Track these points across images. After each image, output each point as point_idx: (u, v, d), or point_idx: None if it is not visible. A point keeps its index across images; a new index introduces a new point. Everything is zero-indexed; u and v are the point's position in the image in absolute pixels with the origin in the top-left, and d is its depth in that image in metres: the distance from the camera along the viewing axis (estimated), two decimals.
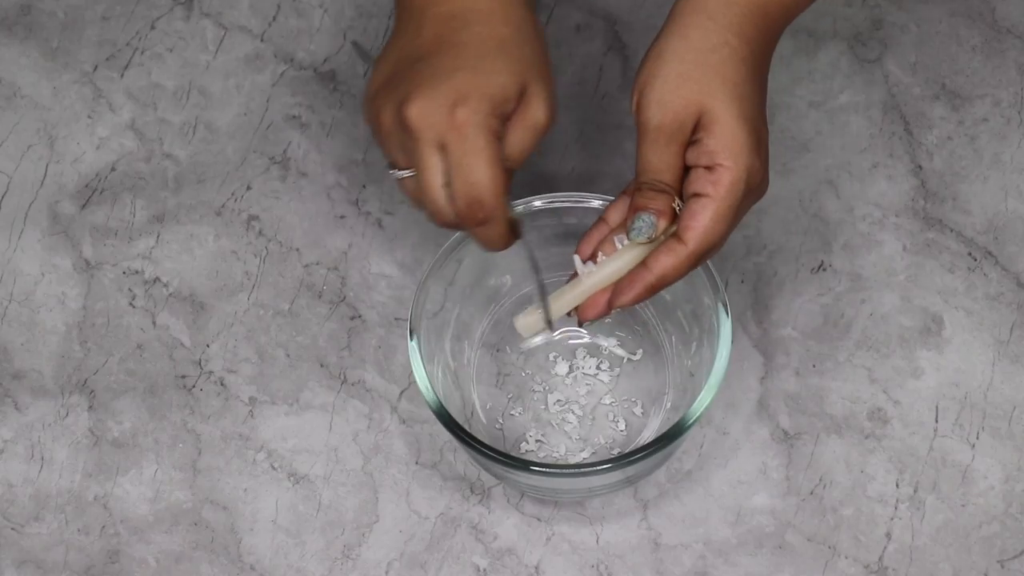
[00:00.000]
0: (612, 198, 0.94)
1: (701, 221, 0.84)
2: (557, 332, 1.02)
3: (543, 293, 0.90)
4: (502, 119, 0.85)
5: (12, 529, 1.00)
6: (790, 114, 1.09)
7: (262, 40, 1.14)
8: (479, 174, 0.84)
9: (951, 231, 1.05)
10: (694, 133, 0.85)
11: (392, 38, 0.89)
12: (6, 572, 0.99)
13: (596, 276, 0.88)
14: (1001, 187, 1.07)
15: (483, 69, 0.85)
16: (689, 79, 0.84)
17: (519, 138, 0.86)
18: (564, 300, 0.89)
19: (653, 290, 0.87)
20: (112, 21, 1.14)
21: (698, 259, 0.86)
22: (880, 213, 1.06)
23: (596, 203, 0.95)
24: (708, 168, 0.84)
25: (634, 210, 0.86)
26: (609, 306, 0.88)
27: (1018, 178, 1.07)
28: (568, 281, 0.90)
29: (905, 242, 1.05)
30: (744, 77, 0.85)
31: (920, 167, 1.07)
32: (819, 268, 1.05)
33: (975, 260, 1.04)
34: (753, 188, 0.85)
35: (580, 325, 0.91)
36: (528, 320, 0.91)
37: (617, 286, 0.87)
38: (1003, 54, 1.10)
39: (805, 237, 1.06)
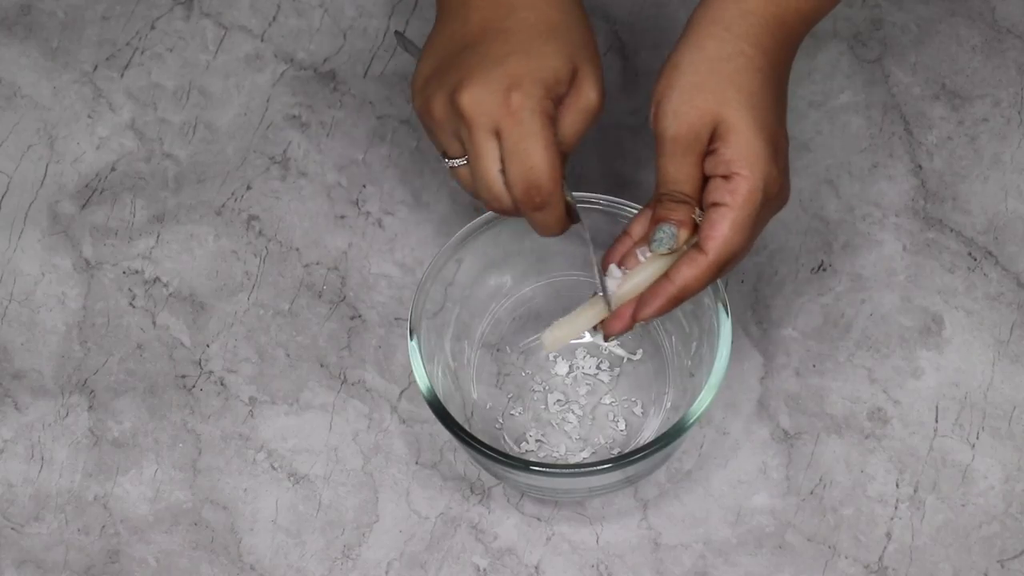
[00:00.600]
0: (612, 198, 0.94)
1: (720, 231, 0.84)
2: (583, 339, 1.02)
3: (601, 276, 0.89)
4: (556, 102, 0.85)
5: (12, 529, 1.00)
6: (790, 114, 1.09)
7: (262, 40, 1.14)
8: (536, 158, 0.84)
9: (951, 231, 1.05)
10: (711, 143, 0.85)
11: (436, 27, 0.89)
12: (6, 572, 0.99)
13: (619, 291, 0.88)
14: (1001, 187, 1.07)
15: (534, 53, 0.85)
16: (703, 89, 0.84)
17: (572, 121, 0.86)
18: (586, 316, 0.89)
19: (676, 301, 0.86)
20: (112, 21, 1.14)
21: (719, 268, 0.85)
22: (880, 213, 1.06)
23: (596, 203, 0.95)
24: (725, 177, 0.84)
25: (655, 221, 0.86)
26: (633, 320, 0.88)
27: (1018, 178, 1.07)
28: (591, 297, 0.90)
29: (905, 242, 1.05)
30: (760, 86, 0.85)
31: (920, 167, 1.07)
32: (819, 268, 1.05)
33: (975, 260, 1.04)
34: (772, 197, 0.85)
35: (606, 340, 0.90)
36: (556, 334, 0.90)
37: (640, 299, 0.87)
38: (1003, 54, 1.10)
39: (805, 237, 1.06)
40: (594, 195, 0.95)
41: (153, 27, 1.14)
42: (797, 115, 1.09)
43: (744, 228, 0.84)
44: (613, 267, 0.88)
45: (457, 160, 0.87)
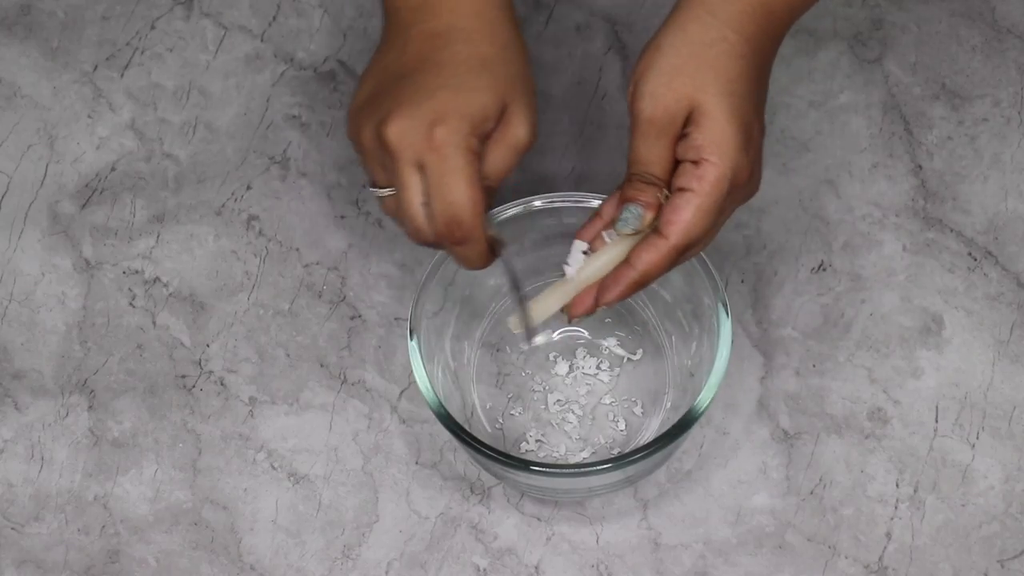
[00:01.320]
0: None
1: (683, 216, 0.84)
2: (558, 332, 1.02)
3: (523, 309, 0.89)
4: (481, 138, 0.85)
5: (12, 529, 1.00)
6: (790, 114, 1.09)
7: (262, 40, 1.14)
8: (457, 194, 0.84)
9: (951, 231, 1.05)
10: (684, 127, 0.85)
11: (377, 53, 0.90)
12: (6, 572, 0.99)
13: (584, 273, 0.88)
14: (1001, 187, 1.07)
15: (463, 88, 0.85)
16: (682, 73, 0.84)
17: (499, 156, 0.86)
18: (553, 297, 0.89)
19: (637, 286, 0.86)
20: (112, 21, 1.14)
21: (679, 253, 0.85)
22: (880, 213, 1.06)
23: (596, 203, 0.95)
24: (695, 163, 0.84)
25: (622, 201, 0.86)
26: (596, 304, 0.88)
27: (1018, 178, 1.07)
28: (557, 281, 0.90)
29: (905, 242, 1.05)
30: (739, 73, 0.85)
31: (920, 167, 1.07)
32: (819, 268, 1.05)
33: (975, 260, 1.04)
34: (739, 185, 0.85)
35: (570, 322, 0.90)
36: (520, 316, 0.91)
37: (602, 284, 0.87)
38: (1003, 54, 1.10)
39: (805, 237, 1.06)
40: (594, 195, 0.95)
41: (153, 27, 1.14)
42: (797, 115, 1.09)
43: (707, 215, 0.84)
44: (578, 244, 0.88)
45: (384, 190, 0.88)
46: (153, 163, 1.10)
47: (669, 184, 0.85)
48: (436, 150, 0.84)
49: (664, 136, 0.84)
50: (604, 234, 0.88)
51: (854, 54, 1.11)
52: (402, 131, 0.84)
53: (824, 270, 1.05)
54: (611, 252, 0.87)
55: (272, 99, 1.12)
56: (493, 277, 1.00)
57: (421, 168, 0.85)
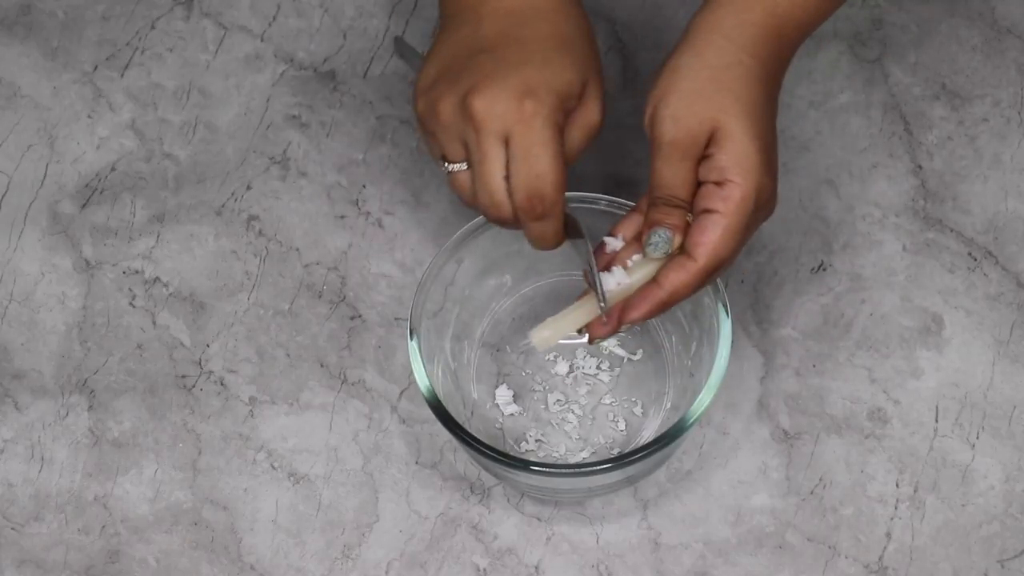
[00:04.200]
0: (613, 198, 0.94)
1: (711, 237, 0.84)
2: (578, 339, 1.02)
3: (601, 290, 0.87)
4: (567, 115, 0.86)
5: (12, 529, 1.00)
6: (790, 114, 1.09)
7: (262, 40, 1.14)
8: (544, 165, 0.84)
9: (951, 231, 1.05)
10: (706, 149, 0.85)
11: (444, 33, 0.89)
12: (6, 572, 0.99)
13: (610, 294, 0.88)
14: (1001, 187, 1.07)
15: (549, 63, 0.85)
16: (703, 96, 0.84)
17: (576, 136, 0.87)
18: (577, 314, 0.88)
19: (664, 306, 0.86)
20: (112, 21, 1.14)
21: (708, 275, 0.85)
22: (880, 213, 1.06)
23: (596, 203, 0.95)
24: (718, 184, 0.84)
25: (650, 225, 0.86)
26: (619, 322, 0.87)
27: (1018, 178, 1.07)
28: (579, 298, 0.89)
29: (905, 242, 1.05)
30: (757, 96, 0.85)
31: (920, 167, 1.07)
32: (819, 268, 1.05)
33: (975, 260, 1.04)
34: (762, 205, 0.85)
35: (591, 342, 0.89)
36: (544, 334, 0.89)
37: (628, 302, 0.87)
38: (1003, 54, 1.10)
39: (805, 237, 1.06)
40: (594, 195, 0.95)
41: (153, 27, 1.14)
42: (797, 115, 1.09)
43: (735, 235, 0.84)
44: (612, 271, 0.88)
45: (457, 165, 0.87)
46: (153, 163, 1.10)
47: (692, 206, 0.86)
48: (524, 122, 0.84)
49: (687, 158, 0.85)
50: (632, 259, 0.87)
51: (854, 54, 1.11)
52: (490, 102, 0.84)
53: (824, 270, 1.05)
54: (635, 275, 0.87)
55: (272, 99, 1.12)
56: (493, 276, 1.01)
57: (506, 141, 0.84)
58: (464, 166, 0.87)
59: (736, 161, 0.84)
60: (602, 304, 0.87)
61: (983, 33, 1.11)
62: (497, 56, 0.86)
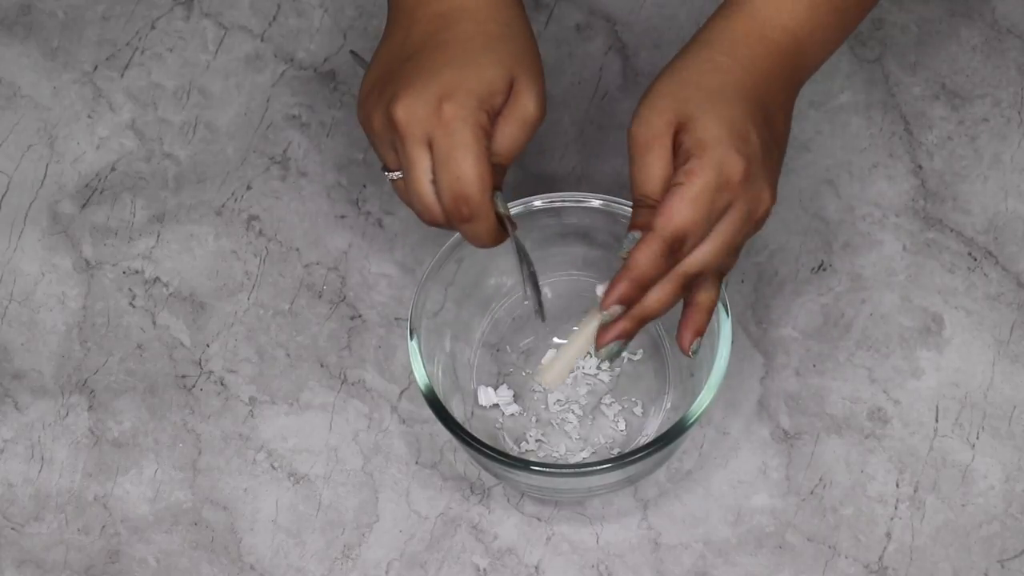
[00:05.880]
0: (613, 198, 0.94)
1: (667, 204, 0.83)
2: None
3: (535, 287, 0.89)
4: (490, 114, 0.86)
5: (12, 529, 1.00)
6: None
7: (262, 40, 1.14)
8: (465, 168, 0.84)
9: (951, 231, 1.05)
10: (675, 140, 0.85)
11: (382, 40, 0.90)
12: (6, 572, 0.99)
13: (593, 321, 0.87)
14: (1001, 187, 1.07)
15: (470, 64, 0.85)
16: (666, 94, 0.85)
17: (509, 132, 0.87)
18: (579, 342, 0.88)
19: (636, 284, 0.84)
20: (112, 21, 1.14)
21: (668, 245, 0.83)
22: (880, 213, 1.06)
23: (596, 203, 0.95)
24: (685, 162, 0.84)
25: (628, 228, 0.86)
26: (614, 328, 0.86)
27: (1018, 178, 1.07)
28: (579, 325, 0.89)
29: (905, 242, 1.05)
30: (724, 85, 0.85)
31: (920, 167, 1.07)
32: (819, 268, 1.05)
33: (975, 260, 1.04)
34: (732, 181, 0.84)
35: (598, 349, 0.88)
36: (552, 374, 0.89)
37: (605, 293, 0.86)
38: (1003, 54, 1.10)
39: (805, 237, 1.06)
40: (594, 195, 0.95)
41: (153, 27, 1.14)
42: (797, 115, 1.09)
43: (694, 203, 0.83)
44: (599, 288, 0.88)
45: (395, 173, 0.88)
46: (153, 163, 1.10)
47: None
48: (444, 126, 0.84)
49: (650, 152, 0.84)
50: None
51: (854, 54, 1.11)
52: (410, 109, 0.84)
53: (824, 270, 1.05)
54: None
55: (272, 99, 1.12)
56: (493, 276, 1.01)
57: (429, 145, 0.85)
58: (400, 174, 0.87)
59: (697, 138, 0.83)
60: (541, 312, 0.89)
61: (983, 33, 1.11)
62: (420, 62, 0.86)
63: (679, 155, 0.84)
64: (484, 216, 0.86)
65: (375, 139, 0.88)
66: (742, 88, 0.86)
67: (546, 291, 1.02)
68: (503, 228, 0.88)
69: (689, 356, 0.88)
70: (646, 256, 0.84)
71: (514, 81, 0.86)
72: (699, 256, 0.85)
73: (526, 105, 0.87)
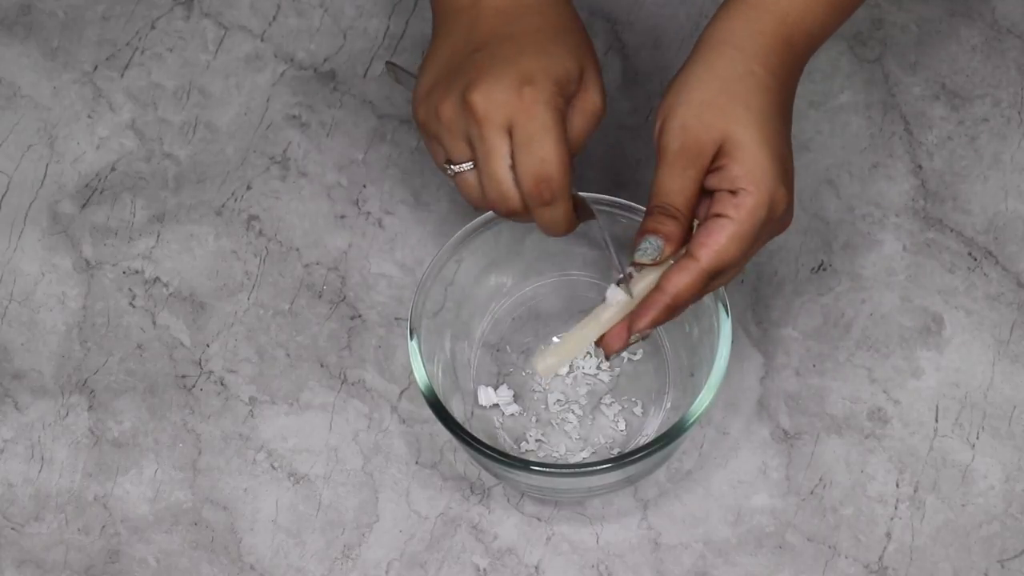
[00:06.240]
0: (612, 198, 0.94)
1: (716, 238, 0.83)
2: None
3: (623, 268, 0.87)
4: (567, 100, 0.86)
5: (12, 529, 1.00)
6: None
7: (262, 40, 1.14)
8: (548, 150, 0.84)
9: (951, 231, 1.05)
10: (717, 160, 0.84)
11: (437, 40, 0.90)
12: (6, 572, 0.99)
13: (612, 308, 0.87)
14: (1001, 187, 1.07)
15: (545, 53, 0.86)
16: (713, 106, 0.84)
17: (579, 122, 0.87)
18: (579, 337, 0.88)
19: (670, 311, 0.85)
20: (112, 21, 1.14)
21: (710, 277, 0.84)
22: (880, 213, 1.06)
23: (596, 203, 0.95)
24: (732, 192, 0.84)
25: (642, 232, 0.85)
26: (630, 333, 0.87)
27: (1018, 178, 1.07)
28: (578, 323, 0.89)
29: (905, 242, 1.05)
30: (768, 106, 0.85)
31: (920, 167, 1.07)
32: (819, 268, 1.05)
33: (975, 260, 1.04)
34: (777, 216, 0.85)
35: (607, 358, 0.88)
36: (548, 362, 0.89)
37: (634, 312, 0.86)
38: (1003, 54, 1.10)
39: (805, 237, 1.06)
40: (594, 195, 0.95)
41: (153, 27, 1.14)
42: (797, 115, 1.09)
43: (741, 241, 0.84)
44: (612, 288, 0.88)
45: (464, 165, 0.87)
46: (153, 163, 1.10)
47: (690, 218, 0.85)
48: (525, 109, 0.84)
49: (691, 168, 0.84)
50: (631, 269, 0.87)
51: (854, 54, 1.11)
52: (489, 95, 0.84)
53: (824, 270, 1.05)
54: (638, 286, 0.86)
55: (272, 99, 1.12)
56: (493, 276, 1.01)
57: (508, 131, 0.85)
58: (470, 165, 0.87)
59: (748, 170, 0.83)
60: (624, 277, 0.86)
61: (983, 33, 1.11)
62: (491, 52, 0.86)
63: (722, 176, 0.84)
64: (565, 199, 0.86)
65: (443, 131, 0.87)
66: (782, 108, 0.86)
67: (546, 291, 1.02)
68: (577, 215, 0.88)
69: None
70: (688, 286, 0.84)
71: (583, 71, 0.87)
72: (728, 277, 0.87)
73: (593, 96, 0.87)
